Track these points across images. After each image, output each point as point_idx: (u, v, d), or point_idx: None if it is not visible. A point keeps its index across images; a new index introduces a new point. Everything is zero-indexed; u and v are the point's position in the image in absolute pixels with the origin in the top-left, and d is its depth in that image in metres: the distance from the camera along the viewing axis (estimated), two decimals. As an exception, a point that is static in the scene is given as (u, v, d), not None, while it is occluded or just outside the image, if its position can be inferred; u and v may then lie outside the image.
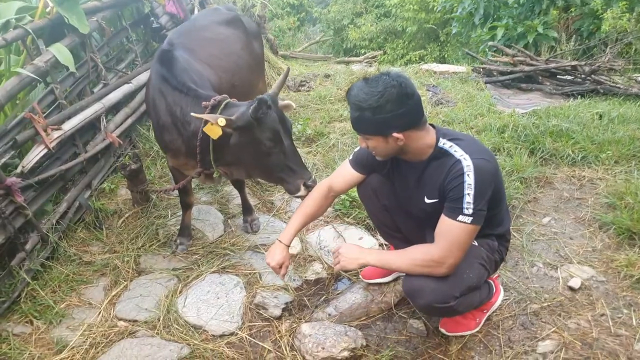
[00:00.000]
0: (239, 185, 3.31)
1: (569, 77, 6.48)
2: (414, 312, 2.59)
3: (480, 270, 2.18)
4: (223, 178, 2.82)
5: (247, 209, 3.35)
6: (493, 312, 2.53)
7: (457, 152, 1.99)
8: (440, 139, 2.06)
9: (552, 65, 6.38)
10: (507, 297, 2.64)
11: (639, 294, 2.61)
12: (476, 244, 2.21)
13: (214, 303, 2.63)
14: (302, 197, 2.46)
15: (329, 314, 2.56)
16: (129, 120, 4.21)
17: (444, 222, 1.99)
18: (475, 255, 2.18)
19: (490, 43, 8.06)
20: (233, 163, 2.56)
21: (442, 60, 13.54)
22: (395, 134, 1.97)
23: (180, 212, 3.35)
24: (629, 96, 5.85)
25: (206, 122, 2.33)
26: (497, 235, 2.28)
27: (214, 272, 2.89)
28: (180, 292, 2.74)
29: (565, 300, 2.61)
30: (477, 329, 2.43)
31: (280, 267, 2.34)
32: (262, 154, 2.40)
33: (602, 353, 2.25)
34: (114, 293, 2.80)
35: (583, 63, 6.22)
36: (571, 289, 2.69)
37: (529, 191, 3.70)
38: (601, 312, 2.51)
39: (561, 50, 8.35)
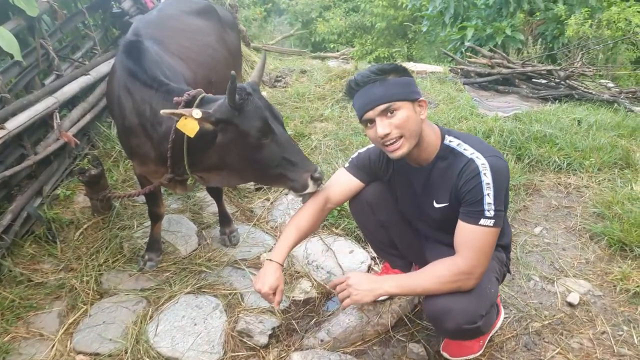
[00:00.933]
0: (217, 193, 3.01)
1: (544, 81, 6.49)
2: (412, 335, 2.39)
3: (497, 284, 2.05)
4: (197, 184, 2.49)
5: (224, 219, 3.07)
6: (495, 333, 2.38)
7: (467, 150, 1.84)
8: (446, 136, 1.91)
9: (529, 68, 6.38)
10: (507, 315, 2.53)
11: (636, 310, 2.57)
12: None
13: (191, 330, 2.34)
14: (310, 195, 2.11)
15: (321, 340, 2.32)
16: (87, 117, 3.85)
17: (464, 229, 1.82)
18: (492, 269, 2.03)
19: (467, 44, 8.02)
20: (217, 167, 2.20)
21: (410, 58, 13.55)
22: (421, 99, 1.85)
23: (148, 222, 3.03)
24: (601, 102, 5.91)
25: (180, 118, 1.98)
26: (503, 246, 2.16)
27: (188, 292, 2.59)
28: (151, 317, 2.43)
29: (565, 318, 2.53)
30: (481, 351, 2.27)
31: (274, 292, 1.97)
32: (253, 149, 2.03)
33: (609, 377, 2.14)
34: (70, 320, 2.43)
35: (558, 68, 6.23)
36: (570, 304, 2.62)
37: (519, 199, 3.60)
38: (602, 329, 2.44)
39: (528, 53, 8.44)
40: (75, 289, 2.64)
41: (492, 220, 1.77)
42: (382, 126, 1.81)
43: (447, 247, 2.12)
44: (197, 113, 1.94)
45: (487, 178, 1.77)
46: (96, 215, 3.20)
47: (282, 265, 2.04)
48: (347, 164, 2.23)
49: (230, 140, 2.04)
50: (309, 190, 2.07)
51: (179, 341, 2.29)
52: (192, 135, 1.98)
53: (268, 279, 1.97)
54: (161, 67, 2.36)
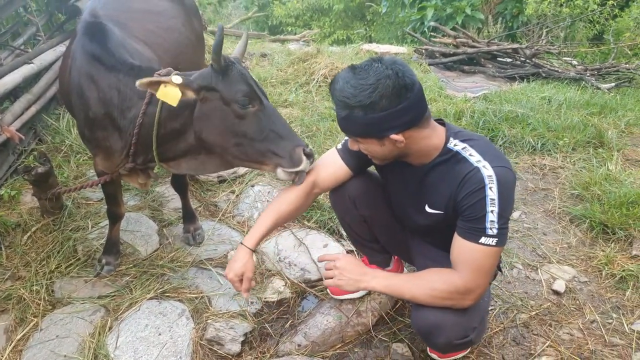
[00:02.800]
0: (181, 186, 2.76)
1: (509, 60, 6.44)
2: (395, 334, 2.24)
3: (488, 290, 1.92)
4: (162, 173, 2.24)
5: (189, 216, 2.82)
6: (482, 327, 2.26)
7: (473, 156, 1.61)
8: (451, 139, 1.68)
9: (494, 47, 6.32)
10: (493, 307, 2.42)
11: (624, 295, 2.51)
12: None
13: (155, 341, 2.12)
14: (301, 174, 1.86)
15: (299, 345, 2.14)
16: (32, 109, 3.55)
17: (464, 246, 1.63)
18: None
19: (430, 23, 7.89)
20: (192, 151, 1.98)
21: (370, 39, 13.43)
22: (393, 136, 1.58)
23: (104, 222, 2.78)
24: (567, 79, 5.90)
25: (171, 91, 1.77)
26: None
27: (151, 298, 2.35)
28: (110, 328, 2.19)
29: (552, 307, 2.44)
30: (469, 349, 2.14)
31: (241, 280, 1.83)
32: (237, 119, 1.82)
33: (603, 368, 2.06)
34: (19, 336, 2.17)
35: (524, 46, 6.17)
36: (556, 293, 2.54)
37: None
38: (591, 318, 2.36)
39: (488, 32, 8.43)
40: (24, 299, 2.36)
41: (495, 239, 1.58)
42: (351, 143, 1.73)
43: (435, 248, 1.97)
44: (177, 79, 1.76)
45: (492, 193, 1.56)
46: (46, 217, 2.90)
47: (254, 251, 1.91)
48: (339, 145, 2.00)
49: (212, 109, 1.84)
50: (302, 167, 1.83)
51: (143, 354, 2.07)
52: (174, 104, 1.78)
53: (235, 265, 1.85)
54: (128, 49, 2.11)
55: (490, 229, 1.57)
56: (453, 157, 1.66)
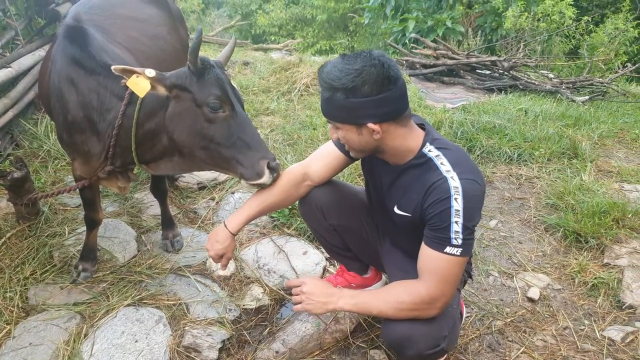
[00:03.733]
0: (160, 194, 2.75)
1: (488, 72, 6.56)
2: (372, 341, 2.26)
3: (457, 296, 1.92)
4: (142, 174, 2.25)
5: (168, 223, 2.81)
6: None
7: (444, 165, 1.63)
8: (427, 144, 1.70)
9: (473, 59, 6.42)
10: (469, 314, 2.46)
11: (595, 302, 2.56)
12: None
13: (132, 348, 2.10)
14: (264, 186, 1.90)
15: (277, 352, 2.14)
16: (9, 114, 3.51)
17: (429, 255, 1.65)
18: None
19: (411, 35, 8.00)
20: (167, 152, 2.01)
21: (352, 50, 13.52)
22: (370, 125, 1.61)
23: (81, 228, 2.74)
24: (544, 92, 6.03)
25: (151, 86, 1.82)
26: None
27: (128, 305, 2.33)
28: (86, 335, 2.16)
29: (527, 314, 2.48)
30: (446, 355, 2.16)
31: (221, 257, 1.96)
32: (206, 122, 1.83)
33: (575, 373, 2.10)
34: (-8, 344, 2.13)
35: (502, 59, 6.30)
36: (531, 300, 2.58)
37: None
38: (564, 324, 2.41)
39: (468, 45, 8.58)
40: (-4, 307, 2.32)
41: (460, 249, 1.60)
42: (331, 130, 1.74)
43: (404, 255, 1.99)
44: (150, 72, 1.79)
45: (457, 204, 1.58)
46: (21, 222, 2.86)
47: (234, 235, 1.97)
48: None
49: (184, 109, 1.86)
50: (263, 180, 1.85)
51: (119, 361, 2.05)
52: (141, 95, 1.81)
53: (217, 245, 1.95)
54: (109, 54, 2.11)
55: (455, 239, 1.59)
56: (426, 163, 1.69)
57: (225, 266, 2.02)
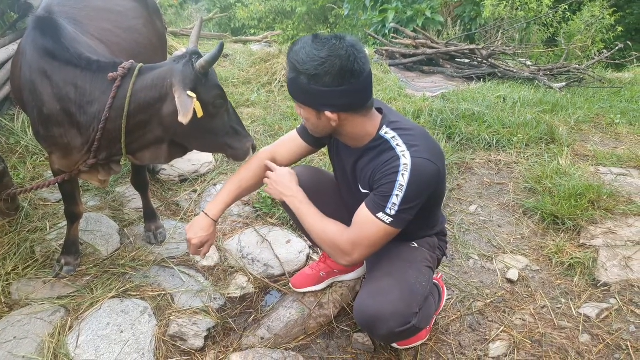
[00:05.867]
0: (142, 186, 2.74)
1: (467, 61, 6.62)
2: (356, 325, 2.29)
3: (429, 274, 1.98)
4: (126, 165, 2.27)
5: (150, 215, 2.81)
6: (440, 315, 2.36)
7: (399, 146, 1.69)
8: (384, 127, 1.75)
9: (452, 48, 6.48)
10: (450, 297, 2.51)
11: (572, 281, 2.63)
12: (416, 245, 2.03)
13: (117, 339, 2.11)
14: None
15: (262, 338, 2.17)
16: (-15, 110, 3.44)
17: (363, 212, 1.74)
18: (421, 259, 1.99)
19: (392, 25, 8.02)
20: (157, 142, 2.06)
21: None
22: (328, 113, 1.65)
23: (63, 223, 2.73)
24: (522, 79, 6.11)
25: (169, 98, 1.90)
26: (435, 233, 2.12)
27: (113, 297, 2.33)
28: (71, 327, 2.16)
29: (506, 295, 2.55)
30: (428, 337, 2.21)
31: (203, 245, 2.03)
32: (208, 118, 1.96)
33: (552, 350, 2.18)
34: (-25, 339, 2.12)
35: (481, 47, 6.36)
36: (510, 281, 2.64)
37: (452, 178, 3.61)
38: (541, 304, 2.48)
39: (448, 35, 8.64)
40: (-21, 302, 2.31)
41: (391, 219, 1.67)
42: (296, 107, 1.79)
43: None
44: (192, 94, 1.85)
45: (402, 179, 1.63)
46: (1, 218, 2.83)
47: (216, 222, 2.05)
48: (299, 126, 2.11)
49: None
50: (248, 158, 2.12)
51: (104, 352, 2.05)
52: (200, 115, 1.90)
53: (201, 232, 2.01)
54: (82, 45, 2.09)
55: (390, 209, 1.66)
56: (382, 144, 1.74)
57: (205, 254, 2.08)
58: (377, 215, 1.68)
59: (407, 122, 1.83)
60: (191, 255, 2.65)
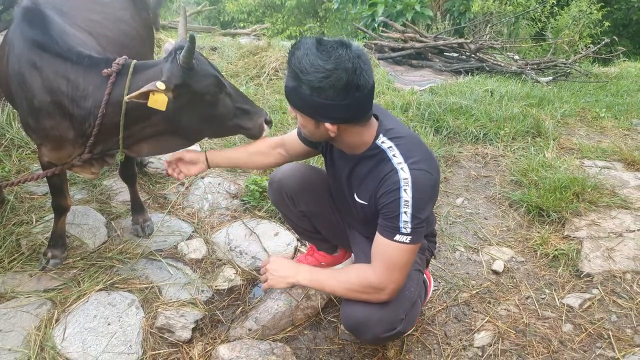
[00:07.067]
0: (130, 178, 2.72)
1: (455, 55, 6.65)
2: (343, 316, 2.31)
3: (418, 277, 1.98)
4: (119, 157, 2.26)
5: (137, 208, 2.80)
6: (426, 306, 2.39)
7: (396, 157, 1.67)
8: (381, 135, 1.73)
9: (441, 42, 6.50)
10: (437, 288, 2.54)
11: (556, 272, 2.67)
12: None
13: (105, 331, 2.11)
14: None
15: (249, 329, 2.18)
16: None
17: (380, 242, 1.70)
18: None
19: (381, 19, 8.03)
20: (158, 134, 2.07)
21: (322, 35, 13.49)
22: (327, 125, 1.62)
23: (48, 216, 2.72)
24: (509, 73, 6.15)
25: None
26: (425, 235, 2.06)
27: (100, 290, 2.33)
28: (57, 320, 2.16)
29: (491, 286, 2.58)
30: (414, 327, 2.24)
31: (177, 164, 2.12)
32: (209, 107, 1.98)
33: (536, 339, 2.22)
34: (-40, 332, 2.11)
35: (469, 41, 6.39)
36: (495, 272, 2.68)
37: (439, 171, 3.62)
38: (526, 294, 2.51)
39: (437, 29, 8.67)
40: (-36, 296, 2.30)
41: (409, 237, 1.65)
42: (290, 109, 1.75)
43: (367, 240, 2.02)
44: (161, 85, 1.82)
45: (406, 195, 1.62)
46: (-14, 211, 2.82)
47: (207, 164, 2.13)
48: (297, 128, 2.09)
49: (187, 103, 1.94)
50: (265, 134, 2.13)
51: (91, 344, 2.05)
52: (164, 109, 1.87)
53: (190, 154, 2.10)
54: (71, 37, 2.08)
55: (404, 227, 1.63)
56: (379, 154, 1.71)
57: (180, 175, 2.12)
58: (394, 239, 1.66)
59: (401, 128, 1.79)
60: (181, 247, 2.66)
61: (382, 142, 1.71)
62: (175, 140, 2.11)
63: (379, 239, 1.71)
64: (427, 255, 2.13)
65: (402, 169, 1.64)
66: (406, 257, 1.69)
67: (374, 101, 1.71)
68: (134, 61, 1.98)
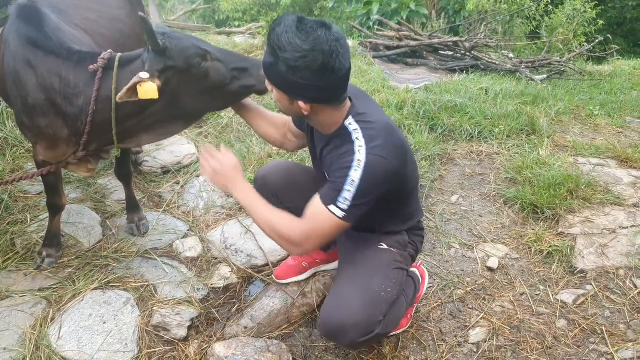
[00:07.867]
0: (125, 177, 2.72)
1: (450, 53, 6.66)
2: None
3: (398, 276, 1.96)
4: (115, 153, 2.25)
5: (132, 207, 2.80)
6: (421, 303, 2.39)
7: (358, 140, 1.67)
8: (350, 117, 1.73)
9: (436, 40, 6.52)
10: (432, 284, 2.54)
11: (550, 269, 2.67)
12: (385, 246, 1.98)
13: (100, 329, 2.11)
14: None
15: (245, 327, 2.19)
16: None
17: (316, 202, 1.71)
18: (389, 262, 1.95)
19: (376, 17, 8.05)
20: (157, 123, 2.05)
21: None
22: (300, 103, 1.65)
23: (43, 215, 2.72)
24: (504, 72, 6.18)
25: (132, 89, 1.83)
26: (408, 229, 2.07)
27: (95, 288, 2.33)
28: (53, 319, 2.16)
29: (486, 282, 2.58)
30: (409, 324, 2.25)
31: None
32: (202, 78, 1.94)
33: (530, 335, 2.22)
34: (-45, 332, 2.11)
35: (464, 39, 6.40)
36: (490, 269, 2.68)
37: (434, 169, 3.64)
38: (521, 291, 2.52)
39: (432, 27, 8.69)
40: (-41, 295, 2.29)
41: (343, 214, 1.65)
42: (268, 84, 1.73)
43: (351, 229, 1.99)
44: (144, 74, 1.81)
45: (355, 175, 1.62)
46: (-20, 211, 2.81)
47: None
48: None
49: (178, 85, 1.93)
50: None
51: (87, 342, 2.06)
52: (157, 97, 1.84)
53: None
54: (66, 34, 2.08)
55: (342, 203, 1.64)
56: (345, 135, 1.72)
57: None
58: (329, 207, 1.66)
59: (375, 114, 1.78)
60: (176, 245, 2.67)
61: (350, 124, 1.72)
62: (175, 123, 2.10)
63: (316, 198, 1.72)
64: (411, 251, 2.08)
65: (359, 150, 1.65)
66: (333, 230, 1.70)
67: (359, 86, 1.72)
68: (119, 54, 1.97)
